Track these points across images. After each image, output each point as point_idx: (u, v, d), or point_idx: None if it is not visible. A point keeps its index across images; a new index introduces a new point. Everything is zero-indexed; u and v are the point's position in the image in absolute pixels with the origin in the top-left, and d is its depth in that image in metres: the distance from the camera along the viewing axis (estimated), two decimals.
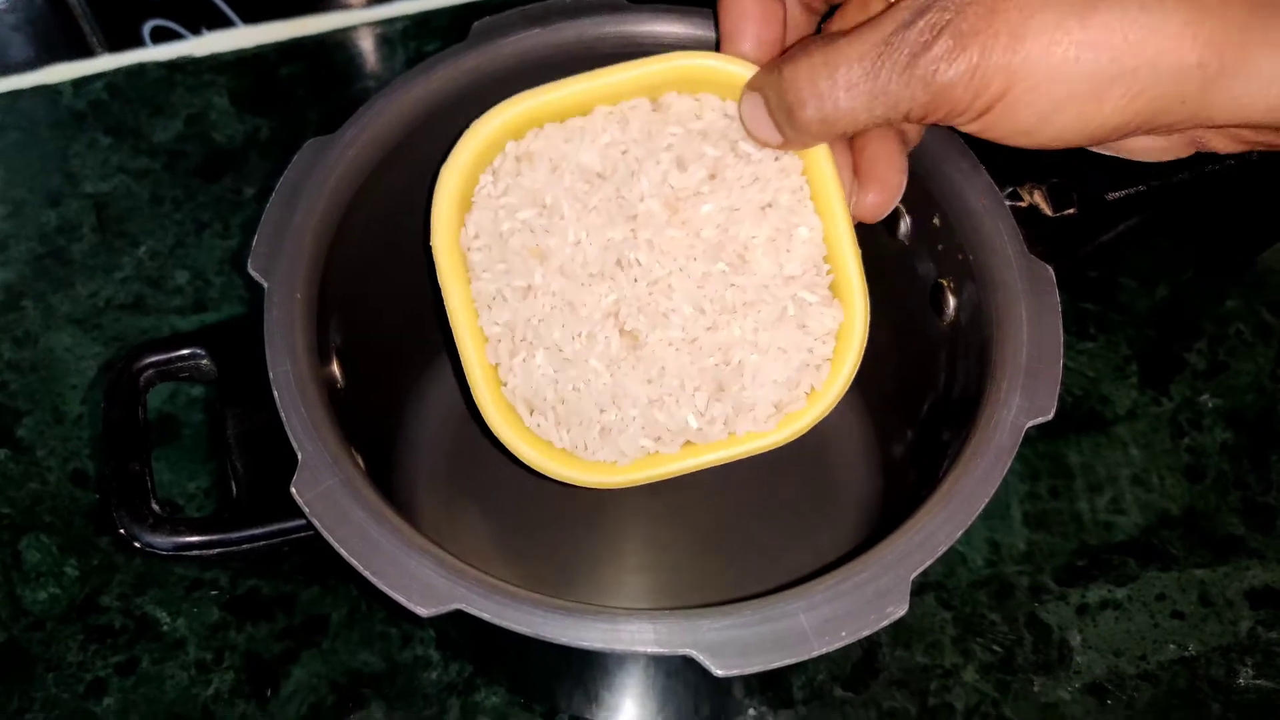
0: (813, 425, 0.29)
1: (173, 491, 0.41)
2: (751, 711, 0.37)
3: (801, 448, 0.40)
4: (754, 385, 0.28)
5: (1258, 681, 0.38)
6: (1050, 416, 0.27)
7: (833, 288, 0.29)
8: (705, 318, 0.28)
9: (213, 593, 0.39)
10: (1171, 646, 0.38)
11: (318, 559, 0.39)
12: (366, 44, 0.53)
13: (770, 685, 0.37)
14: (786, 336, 0.28)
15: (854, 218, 0.28)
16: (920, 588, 0.39)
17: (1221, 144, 0.25)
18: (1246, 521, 0.41)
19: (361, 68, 0.52)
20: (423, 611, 0.24)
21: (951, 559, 0.40)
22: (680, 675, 0.31)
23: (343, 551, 0.25)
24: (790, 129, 0.26)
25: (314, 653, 0.38)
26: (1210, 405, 0.43)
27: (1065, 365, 0.43)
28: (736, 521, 0.39)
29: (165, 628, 0.38)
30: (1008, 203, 0.30)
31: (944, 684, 0.37)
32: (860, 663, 0.38)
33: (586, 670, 0.32)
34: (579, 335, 0.28)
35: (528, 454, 0.29)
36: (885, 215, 0.28)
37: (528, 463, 0.29)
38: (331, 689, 0.37)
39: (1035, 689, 0.37)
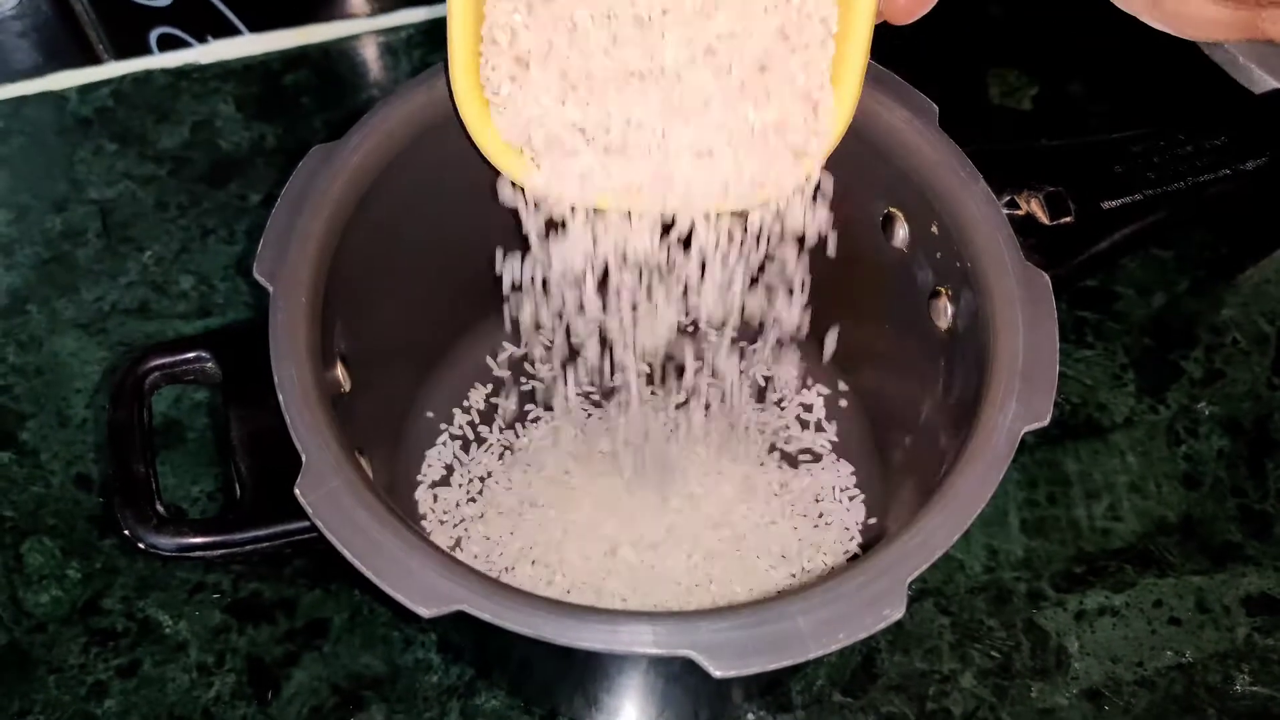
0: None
1: (177, 495, 0.41)
2: (751, 716, 0.37)
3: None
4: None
5: (1254, 688, 0.38)
6: (1046, 422, 0.27)
7: (834, 64, 0.29)
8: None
9: (215, 596, 0.39)
10: (1168, 653, 0.39)
11: (320, 563, 0.39)
12: (371, 53, 0.53)
13: (769, 690, 0.37)
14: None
15: (880, 14, 0.28)
16: (919, 594, 0.39)
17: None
18: (1243, 529, 0.41)
19: (366, 76, 0.53)
20: (425, 612, 0.24)
21: (950, 565, 0.40)
22: (680, 679, 0.31)
23: (346, 552, 0.25)
24: None
25: (315, 656, 0.38)
26: (1207, 413, 0.44)
27: (1063, 373, 0.44)
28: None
29: (167, 630, 0.38)
30: (1005, 211, 0.31)
31: (942, 689, 0.38)
32: (859, 668, 0.38)
33: (586, 673, 0.32)
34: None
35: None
36: (911, 21, 0.28)
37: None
38: (333, 691, 0.37)
39: (1033, 695, 0.38)
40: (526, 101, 0.28)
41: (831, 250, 0.30)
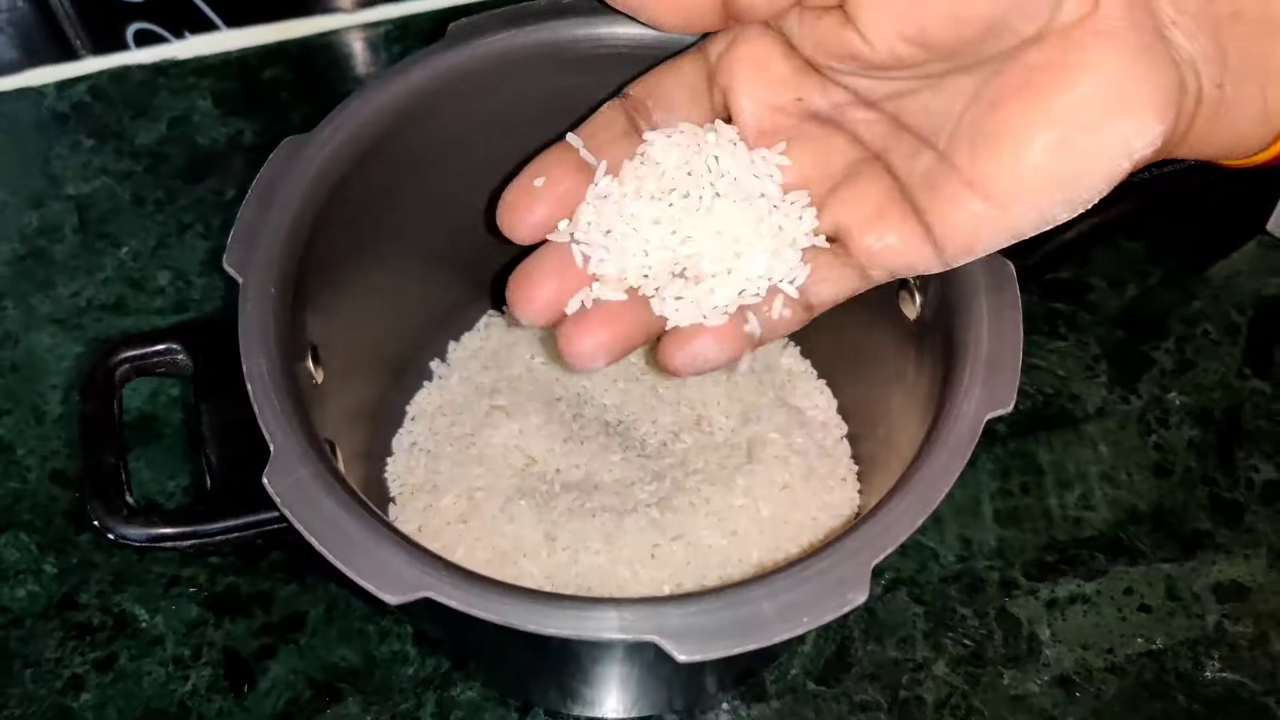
0: None
1: (152, 489, 0.41)
2: (725, 706, 0.37)
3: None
4: None
5: (1224, 674, 0.38)
6: (1009, 409, 0.27)
7: None
8: None
9: (191, 589, 0.39)
10: (1139, 640, 0.39)
11: (296, 556, 0.40)
12: (349, 47, 0.53)
13: (743, 679, 0.38)
14: None
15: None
16: (892, 583, 0.40)
17: None
18: (1214, 517, 0.42)
19: (344, 71, 0.53)
20: (391, 599, 0.24)
21: (923, 555, 0.40)
22: (652, 667, 0.32)
23: (313, 540, 0.25)
24: None
25: (291, 649, 0.38)
26: (1178, 403, 0.44)
27: (1036, 364, 0.45)
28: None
29: (144, 624, 0.38)
30: None
31: (915, 677, 0.38)
32: (833, 657, 0.38)
33: (559, 662, 0.32)
34: None
35: None
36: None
37: None
38: (308, 684, 0.37)
39: (1005, 682, 0.38)
40: None
41: None
